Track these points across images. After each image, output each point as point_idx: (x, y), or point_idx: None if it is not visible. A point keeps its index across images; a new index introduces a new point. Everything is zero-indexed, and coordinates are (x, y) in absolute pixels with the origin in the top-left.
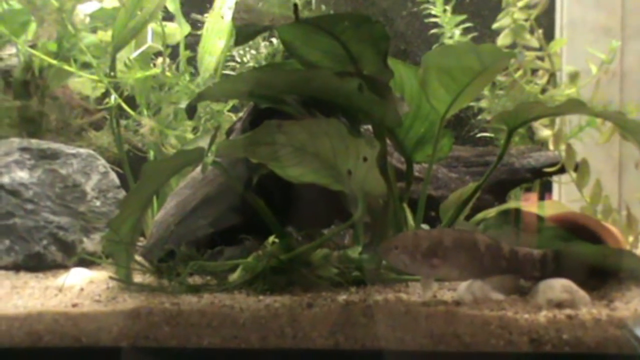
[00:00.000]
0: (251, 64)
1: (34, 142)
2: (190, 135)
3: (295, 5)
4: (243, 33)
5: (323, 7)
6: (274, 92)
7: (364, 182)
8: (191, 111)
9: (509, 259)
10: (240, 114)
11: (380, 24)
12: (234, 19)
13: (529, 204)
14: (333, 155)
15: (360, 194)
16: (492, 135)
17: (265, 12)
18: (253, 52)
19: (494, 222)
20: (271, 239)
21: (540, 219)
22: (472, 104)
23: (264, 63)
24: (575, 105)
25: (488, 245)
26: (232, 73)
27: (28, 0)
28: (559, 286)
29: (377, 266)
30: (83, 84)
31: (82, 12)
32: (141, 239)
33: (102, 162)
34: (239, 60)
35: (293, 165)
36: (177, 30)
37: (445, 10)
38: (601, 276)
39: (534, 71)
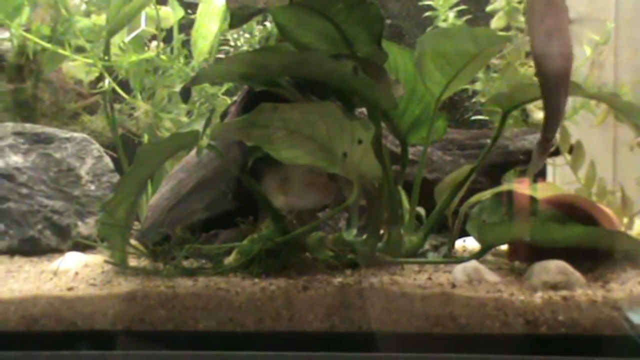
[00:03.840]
0: (245, 47)
1: (28, 127)
2: (185, 119)
3: None
4: (237, 16)
5: None
6: (268, 74)
7: (359, 165)
8: (186, 94)
9: None
10: (235, 98)
11: (375, 6)
12: (227, 1)
13: (523, 186)
14: (328, 138)
15: (355, 177)
16: (486, 117)
17: None
18: (247, 35)
19: (489, 205)
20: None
21: (534, 201)
22: (466, 86)
23: (257, 47)
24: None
25: None
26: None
27: None
28: (554, 268)
29: (372, 249)
30: (77, 67)
31: None
32: (136, 222)
33: (96, 146)
34: (232, 43)
35: (288, 147)
36: (171, 14)
37: None
38: (596, 257)
39: (528, 53)
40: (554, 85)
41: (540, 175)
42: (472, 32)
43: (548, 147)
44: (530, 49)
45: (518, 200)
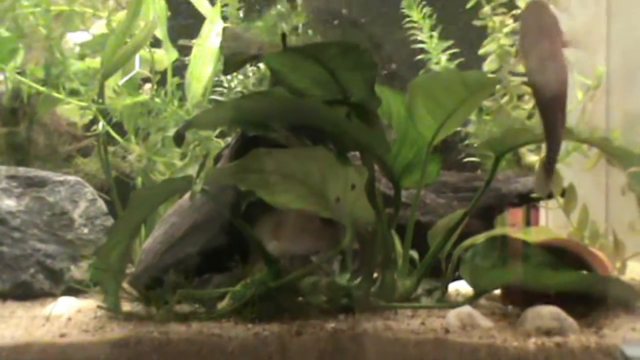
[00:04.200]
0: (239, 89)
1: (21, 170)
2: (178, 162)
3: (284, 34)
4: (232, 61)
5: (310, 31)
6: (262, 119)
7: (352, 210)
8: (179, 139)
9: None
10: (228, 139)
11: (368, 52)
12: (222, 47)
13: (515, 229)
14: (321, 183)
15: (349, 222)
16: (479, 159)
17: (253, 41)
18: (240, 77)
19: (482, 249)
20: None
21: (527, 245)
22: (459, 128)
23: (251, 88)
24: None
25: None
26: (219, 98)
27: (16, 27)
28: (547, 313)
29: (366, 293)
30: (71, 110)
31: (71, 40)
32: (129, 264)
33: (90, 190)
34: (226, 85)
35: (281, 192)
36: (165, 56)
37: (431, 36)
38: (589, 302)
39: (520, 96)
40: (551, 108)
41: (533, 209)
42: (463, 75)
43: (552, 169)
44: (526, 74)
45: (511, 245)
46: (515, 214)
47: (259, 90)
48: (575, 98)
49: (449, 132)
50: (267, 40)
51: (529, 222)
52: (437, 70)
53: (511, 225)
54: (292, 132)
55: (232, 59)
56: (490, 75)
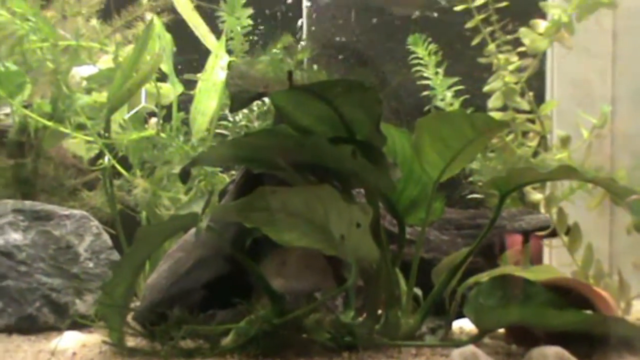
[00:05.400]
0: (243, 122)
1: (28, 204)
2: (183, 197)
3: (290, 72)
4: (238, 99)
5: (315, 66)
6: (267, 157)
7: (357, 248)
8: (185, 176)
9: None
10: (233, 173)
11: (373, 90)
12: (228, 84)
13: (519, 268)
14: (326, 221)
15: (354, 259)
16: (482, 196)
17: (259, 78)
18: (245, 111)
19: (486, 288)
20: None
21: (531, 284)
22: None
23: (255, 122)
24: (567, 172)
25: None
26: (224, 132)
27: (24, 61)
28: (552, 354)
29: (370, 331)
30: (77, 144)
31: (78, 74)
32: (134, 299)
33: (95, 223)
34: (231, 119)
35: (286, 230)
36: (170, 90)
37: (437, 73)
38: (593, 342)
39: (525, 133)
40: None
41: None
42: (470, 117)
43: None
44: None
45: (516, 284)
46: (518, 251)
47: (264, 127)
48: (580, 137)
49: (455, 172)
50: (273, 77)
51: (526, 240)
52: (442, 106)
53: (514, 263)
54: (297, 169)
55: (238, 97)
56: (498, 118)
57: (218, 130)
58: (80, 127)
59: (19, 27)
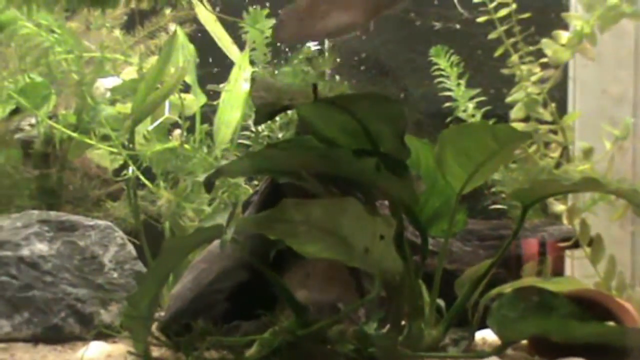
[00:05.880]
0: (265, 132)
1: (53, 214)
2: (206, 208)
3: (315, 85)
4: (262, 112)
5: (337, 77)
6: (291, 168)
7: (380, 260)
8: (209, 186)
9: None
10: (256, 184)
11: (398, 103)
12: (253, 97)
13: (543, 279)
14: (350, 234)
15: (377, 272)
16: (505, 207)
17: (284, 91)
18: (267, 121)
19: (508, 299)
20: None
21: (554, 295)
22: None
23: (278, 133)
24: (590, 184)
25: None
26: (247, 142)
27: (49, 73)
28: None
29: (393, 343)
30: (102, 155)
31: (103, 85)
32: (158, 309)
33: (119, 234)
34: (253, 129)
35: (310, 242)
36: (194, 101)
37: (459, 84)
38: (616, 353)
39: (547, 144)
40: None
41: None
42: (493, 128)
43: None
44: None
45: (538, 295)
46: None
47: (288, 138)
48: (603, 148)
49: (478, 184)
50: (298, 89)
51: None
52: (464, 118)
53: (535, 274)
54: (321, 181)
55: (263, 110)
56: (520, 130)
57: (240, 141)
58: (105, 138)
59: (45, 38)
